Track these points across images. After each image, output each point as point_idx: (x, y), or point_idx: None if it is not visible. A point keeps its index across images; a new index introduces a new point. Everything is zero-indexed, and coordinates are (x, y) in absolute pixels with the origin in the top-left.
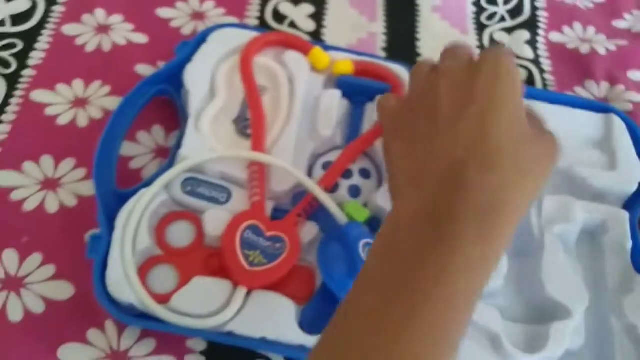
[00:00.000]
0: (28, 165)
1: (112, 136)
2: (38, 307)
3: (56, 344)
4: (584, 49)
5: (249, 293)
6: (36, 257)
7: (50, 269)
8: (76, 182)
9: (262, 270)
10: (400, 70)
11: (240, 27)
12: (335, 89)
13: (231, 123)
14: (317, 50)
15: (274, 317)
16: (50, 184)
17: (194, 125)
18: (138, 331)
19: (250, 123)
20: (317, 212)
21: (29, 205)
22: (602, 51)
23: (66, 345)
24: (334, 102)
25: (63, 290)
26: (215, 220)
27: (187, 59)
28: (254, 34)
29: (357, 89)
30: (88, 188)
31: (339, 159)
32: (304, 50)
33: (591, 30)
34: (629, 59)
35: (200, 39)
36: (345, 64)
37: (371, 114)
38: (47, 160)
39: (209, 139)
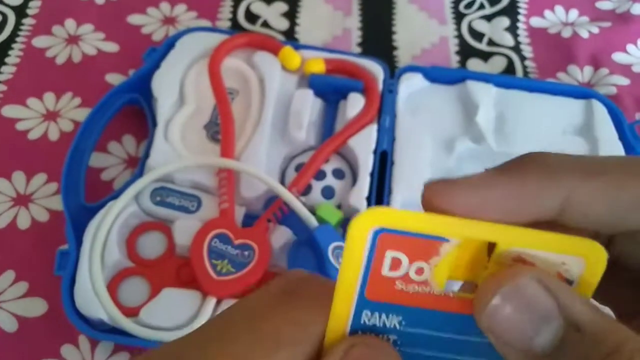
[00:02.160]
0: (0, 183)
1: (80, 149)
2: (11, 326)
3: None
4: (566, 33)
5: (218, 303)
6: (8, 275)
7: (22, 287)
8: (48, 197)
9: (230, 279)
10: (373, 67)
11: (210, 31)
12: (308, 88)
13: (202, 129)
14: (287, 49)
15: None
16: (21, 200)
17: (162, 134)
18: (112, 345)
19: (219, 129)
20: (289, 216)
21: (1, 223)
22: (584, 34)
23: None
24: (306, 102)
25: (36, 307)
26: (185, 229)
27: (156, 65)
28: (223, 37)
29: (329, 88)
30: (60, 203)
31: (311, 160)
32: (274, 50)
33: (574, 12)
34: (613, 41)
35: (168, 45)
36: (316, 62)
37: (343, 111)
38: (18, 176)
39: (177, 147)
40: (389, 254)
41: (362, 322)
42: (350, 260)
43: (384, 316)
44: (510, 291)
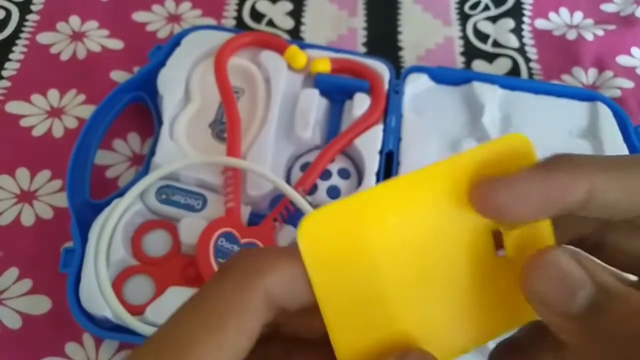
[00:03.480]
0: (3, 179)
1: (85, 146)
2: (15, 323)
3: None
4: (571, 35)
5: None
6: (12, 272)
7: (26, 284)
8: (52, 194)
9: None
10: (378, 67)
11: (215, 29)
12: (314, 87)
13: (207, 127)
14: (293, 48)
15: None
16: (26, 197)
17: (168, 132)
18: (116, 343)
19: (225, 128)
20: (295, 215)
21: (5, 220)
22: (589, 37)
23: None
24: (312, 102)
25: (40, 305)
26: (191, 228)
27: (161, 63)
28: (229, 35)
29: (335, 87)
30: (64, 200)
31: (317, 160)
32: (280, 49)
33: (578, 15)
34: (617, 44)
35: (174, 43)
36: (322, 62)
37: (349, 111)
38: (22, 173)
39: (182, 145)
40: None
41: None
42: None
43: None
44: (549, 265)
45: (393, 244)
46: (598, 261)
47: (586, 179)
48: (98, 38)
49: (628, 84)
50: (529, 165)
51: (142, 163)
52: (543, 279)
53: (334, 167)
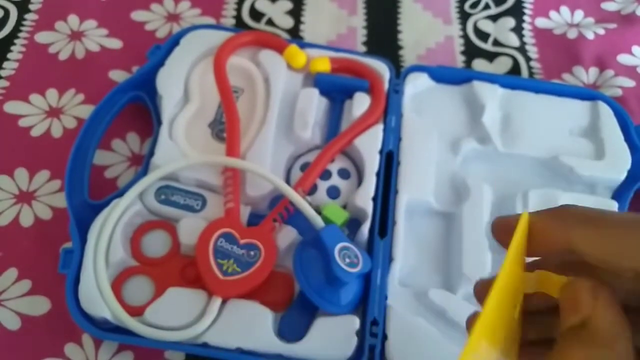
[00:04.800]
0: (2, 179)
1: (84, 146)
2: (14, 324)
3: None
4: (572, 34)
5: (224, 303)
6: (11, 273)
7: (25, 284)
8: (51, 194)
9: (236, 280)
10: (378, 66)
11: (214, 28)
12: (313, 87)
13: (207, 127)
14: (293, 48)
15: (250, 327)
16: (24, 197)
17: (167, 132)
18: (115, 344)
19: (224, 128)
20: (295, 216)
21: (4, 220)
22: (590, 36)
23: None
24: (312, 102)
25: (39, 306)
26: (190, 228)
27: (160, 63)
28: (228, 34)
29: (334, 87)
30: (63, 200)
31: (316, 160)
32: (280, 48)
33: (579, 14)
34: (618, 43)
35: (173, 42)
36: (322, 61)
37: (349, 111)
38: (21, 173)
39: (182, 145)
40: None
41: None
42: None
43: None
44: (567, 286)
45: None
46: (612, 299)
47: (563, 232)
48: (97, 37)
49: (629, 82)
50: None
51: (141, 163)
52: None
53: (333, 167)
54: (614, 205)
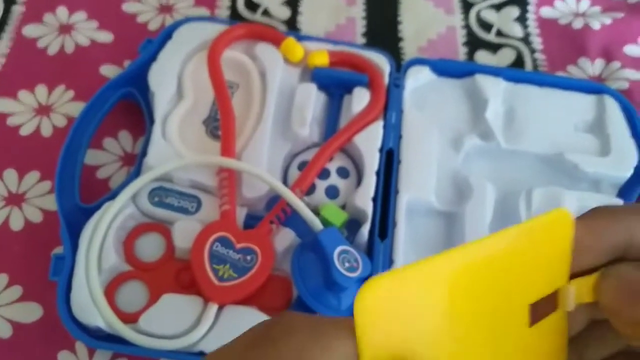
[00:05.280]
0: None
1: (74, 147)
2: (5, 332)
3: None
4: (577, 24)
5: (220, 309)
6: (1, 279)
7: (16, 291)
8: (41, 196)
9: (232, 285)
10: (378, 59)
11: (208, 20)
12: (311, 81)
13: (201, 124)
14: (289, 41)
15: None
16: (14, 200)
17: (160, 131)
18: (110, 352)
19: (219, 125)
20: (292, 217)
21: None
22: (596, 26)
23: None
24: (309, 97)
25: (31, 312)
26: (185, 231)
27: (152, 58)
28: (222, 27)
29: (333, 81)
30: (54, 202)
31: (315, 159)
32: (276, 41)
33: (585, 2)
34: (625, 33)
35: (165, 36)
36: (320, 54)
37: (348, 106)
38: (10, 174)
39: (175, 144)
40: None
41: None
42: None
43: None
44: (611, 276)
45: (453, 314)
46: None
47: (625, 226)
48: (87, 30)
49: (636, 75)
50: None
51: (134, 163)
52: (608, 290)
53: (332, 166)
54: (619, 204)
